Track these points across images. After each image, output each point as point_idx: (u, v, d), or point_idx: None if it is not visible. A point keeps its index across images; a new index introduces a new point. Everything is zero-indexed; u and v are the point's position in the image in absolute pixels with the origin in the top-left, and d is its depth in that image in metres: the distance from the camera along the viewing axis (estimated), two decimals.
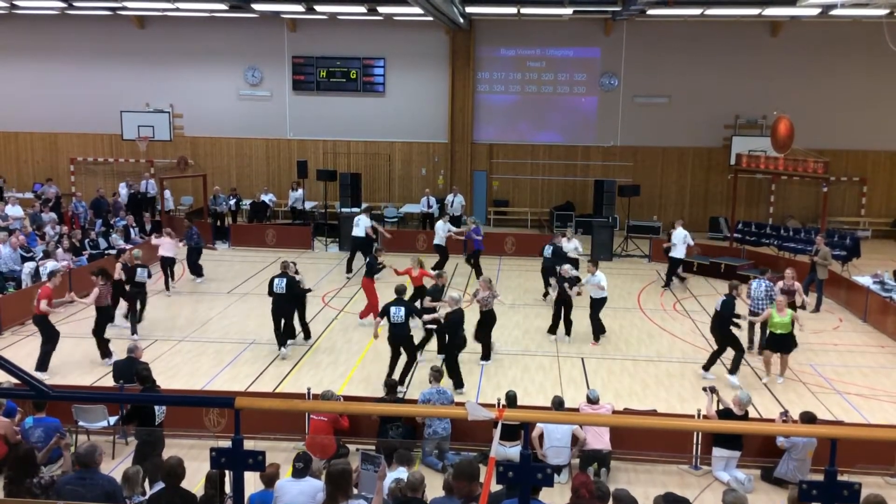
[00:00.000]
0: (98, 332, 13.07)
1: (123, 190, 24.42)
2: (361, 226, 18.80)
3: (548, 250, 16.61)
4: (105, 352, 12.99)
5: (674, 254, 18.10)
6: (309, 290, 14.61)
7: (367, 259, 15.92)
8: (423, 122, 26.20)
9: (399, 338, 12.03)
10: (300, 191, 24.71)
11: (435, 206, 23.93)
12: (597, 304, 14.38)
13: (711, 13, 22.23)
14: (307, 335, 14.21)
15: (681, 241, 17.98)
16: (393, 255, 17.45)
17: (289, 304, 13.59)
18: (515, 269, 20.21)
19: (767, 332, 12.88)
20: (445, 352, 12.57)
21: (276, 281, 13.45)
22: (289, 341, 13.68)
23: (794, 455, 9.24)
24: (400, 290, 12.47)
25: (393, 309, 11.93)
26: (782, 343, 12.54)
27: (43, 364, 12.35)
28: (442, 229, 18.71)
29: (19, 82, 26.67)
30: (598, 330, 14.52)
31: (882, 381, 12.87)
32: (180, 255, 18.16)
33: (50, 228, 19.54)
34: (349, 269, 19.27)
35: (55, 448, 8.60)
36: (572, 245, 17.29)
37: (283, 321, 13.54)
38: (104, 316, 13.20)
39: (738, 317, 12.59)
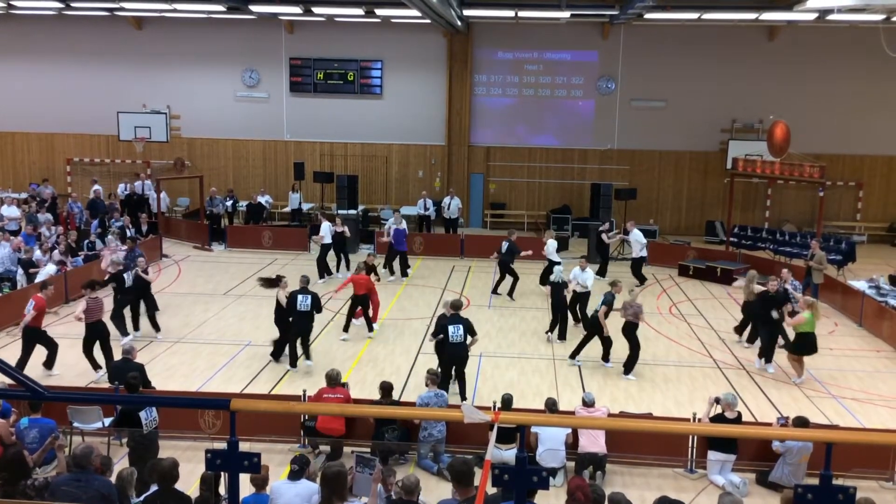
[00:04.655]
0: (87, 348, 12.39)
1: (119, 188, 24.39)
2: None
3: (504, 246, 17.54)
4: (94, 364, 12.44)
5: (634, 255, 18.98)
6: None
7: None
8: (420, 125, 26.20)
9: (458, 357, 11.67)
10: (298, 193, 24.70)
11: (432, 209, 23.94)
12: (582, 298, 15.13)
13: (708, 17, 22.26)
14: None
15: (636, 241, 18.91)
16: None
17: (311, 322, 12.79)
18: None
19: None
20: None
21: (300, 298, 12.52)
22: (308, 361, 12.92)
23: (789, 460, 9.26)
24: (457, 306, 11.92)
25: (451, 328, 11.45)
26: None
27: (50, 363, 12.47)
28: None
29: (16, 82, 26.64)
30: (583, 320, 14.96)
31: (877, 386, 12.90)
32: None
33: (46, 229, 19.48)
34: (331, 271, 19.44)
35: (50, 449, 8.56)
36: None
37: (300, 339, 12.74)
38: (94, 332, 12.39)
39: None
